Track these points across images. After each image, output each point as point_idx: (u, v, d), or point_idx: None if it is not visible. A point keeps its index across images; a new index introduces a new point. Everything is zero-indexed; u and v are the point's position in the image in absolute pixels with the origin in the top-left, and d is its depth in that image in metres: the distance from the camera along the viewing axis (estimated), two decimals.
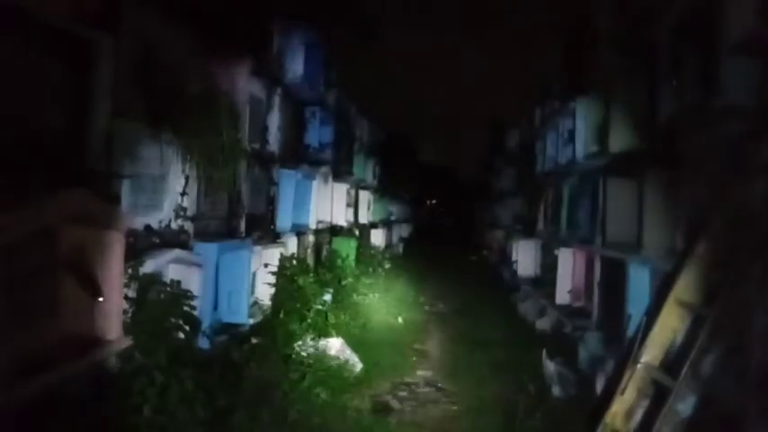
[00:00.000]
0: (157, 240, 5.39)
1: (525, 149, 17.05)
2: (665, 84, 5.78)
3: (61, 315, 4.24)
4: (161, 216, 5.57)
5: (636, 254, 6.27)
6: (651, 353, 4.46)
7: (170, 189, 5.77)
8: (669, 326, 4.47)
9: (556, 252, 10.98)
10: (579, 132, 9.61)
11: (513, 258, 16.30)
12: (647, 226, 5.92)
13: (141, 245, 5.04)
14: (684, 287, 4.41)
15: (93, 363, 4.13)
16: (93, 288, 4.24)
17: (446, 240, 38.55)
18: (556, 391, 7.46)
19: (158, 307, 4.89)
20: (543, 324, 11.13)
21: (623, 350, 5.44)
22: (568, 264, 10.28)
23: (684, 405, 3.88)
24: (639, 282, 6.46)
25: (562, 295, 10.36)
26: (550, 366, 7.91)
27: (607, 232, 7.27)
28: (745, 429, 4.06)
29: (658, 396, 4.25)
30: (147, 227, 5.26)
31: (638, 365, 4.43)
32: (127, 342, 4.43)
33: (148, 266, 4.91)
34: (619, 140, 7.43)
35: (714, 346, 3.85)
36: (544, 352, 8.32)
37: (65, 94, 4.32)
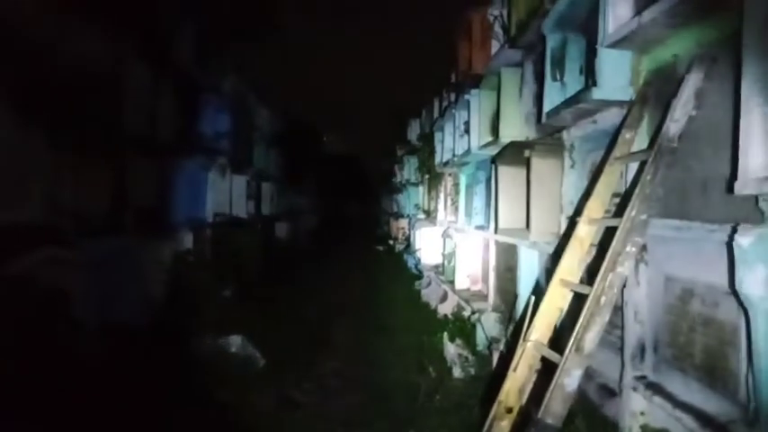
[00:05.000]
0: (28, 237, 4.88)
1: (425, 140, 17.41)
2: (550, 76, 6.08)
3: None
4: (30, 210, 5.05)
5: (525, 238, 6.60)
6: (539, 331, 4.70)
7: (39, 179, 5.24)
8: (555, 305, 4.73)
9: (455, 239, 11.33)
10: (474, 123, 9.92)
11: (417, 247, 16.64)
12: (533, 211, 6.23)
13: (7, 242, 4.54)
14: (567, 268, 4.68)
15: None
16: None
17: (352, 231, 38.69)
18: (456, 372, 7.71)
19: (31, 311, 4.44)
20: (445, 308, 11.45)
21: (515, 330, 5.71)
22: (467, 250, 10.65)
23: (570, 379, 4.11)
24: (529, 264, 6.81)
25: (461, 280, 10.72)
26: (451, 349, 8.16)
27: (500, 218, 7.58)
28: (623, 398, 4.41)
29: (547, 372, 4.49)
30: (13, 222, 4.75)
31: (528, 343, 4.66)
32: None
33: (15, 266, 4.44)
34: (509, 131, 7.75)
35: (594, 322, 4.11)
36: (445, 335, 8.57)
37: None
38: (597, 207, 4.70)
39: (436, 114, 16.08)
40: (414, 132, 21.85)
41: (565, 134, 5.84)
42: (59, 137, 5.36)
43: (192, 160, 10.19)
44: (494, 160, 7.91)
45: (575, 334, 4.08)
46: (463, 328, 8.81)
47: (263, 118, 18.75)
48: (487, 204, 9.18)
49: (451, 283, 11.18)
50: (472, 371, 7.60)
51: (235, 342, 8.07)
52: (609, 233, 4.42)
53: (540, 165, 6.04)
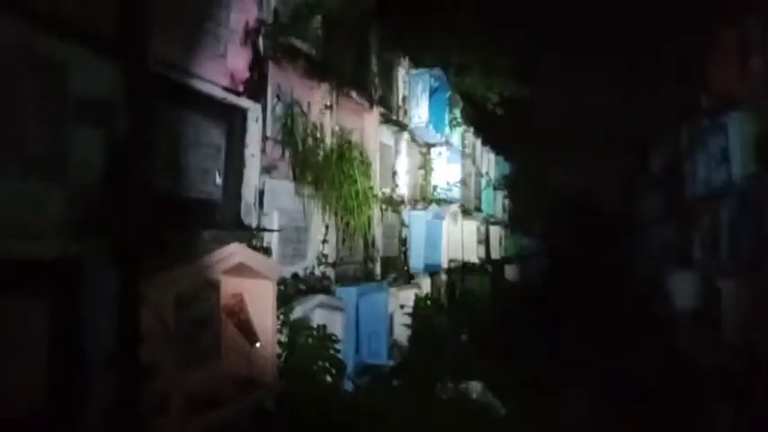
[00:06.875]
0: (303, 287, 5.73)
1: (671, 172, 15.74)
2: None
3: (224, 359, 4.64)
4: (305, 264, 5.94)
5: None
6: None
7: (312, 238, 6.14)
8: None
9: (717, 284, 9.88)
10: (734, 151, 8.71)
11: (666, 291, 14.90)
12: None
13: (290, 292, 5.39)
14: None
15: (252, 403, 4.43)
16: (251, 334, 4.60)
17: (584, 273, 36.33)
18: None
19: (307, 351, 5.17)
20: (708, 362, 9.96)
21: None
22: (733, 296, 9.19)
23: None
24: None
25: (728, 332, 9.25)
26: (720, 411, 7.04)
27: None
28: None
29: None
30: (295, 275, 5.63)
31: None
32: (281, 385, 4.72)
33: (297, 312, 5.24)
34: None
35: None
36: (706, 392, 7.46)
37: (223, 157, 4.82)
38: None
39: (683, 143, 14.49)
40: (655, 165, 19.95)
41: None
42: (324, 200, 6.26)
43: (427, 211, 10.83)
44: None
45: None
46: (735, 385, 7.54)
47: (489, 163, 19.09)
48: (759, 243, 7.86)
49: (715, 333, 9.70)
50: None
51: (475, 388, 8.15)
52: None
53: None
